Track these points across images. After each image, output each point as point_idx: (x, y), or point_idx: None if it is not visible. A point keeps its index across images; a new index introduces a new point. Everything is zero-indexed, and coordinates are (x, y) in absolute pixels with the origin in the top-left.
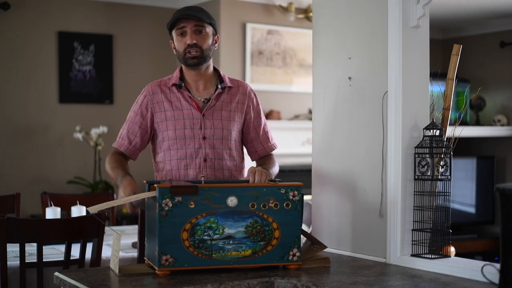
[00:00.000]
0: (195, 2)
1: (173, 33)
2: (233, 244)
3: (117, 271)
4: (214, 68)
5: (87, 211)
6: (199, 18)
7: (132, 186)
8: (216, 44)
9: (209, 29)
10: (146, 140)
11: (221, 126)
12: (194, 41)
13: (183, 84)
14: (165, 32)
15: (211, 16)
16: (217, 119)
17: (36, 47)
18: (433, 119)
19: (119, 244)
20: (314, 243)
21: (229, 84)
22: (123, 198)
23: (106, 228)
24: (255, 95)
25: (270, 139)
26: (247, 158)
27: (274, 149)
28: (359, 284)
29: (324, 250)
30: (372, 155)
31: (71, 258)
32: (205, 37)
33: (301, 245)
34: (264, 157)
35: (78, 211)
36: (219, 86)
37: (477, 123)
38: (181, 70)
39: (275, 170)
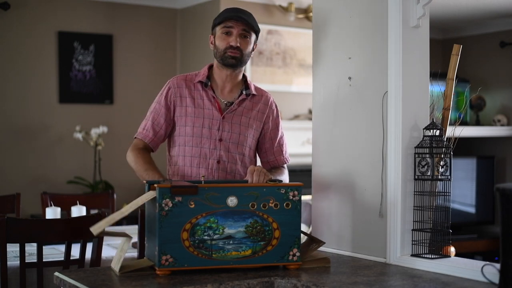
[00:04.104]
0: (195, 2)
1: (218, 29)
2: (233, 244)
3: (117, 270)
4: (243, 75)
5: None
6: (248, 23)
7: None
8: (253, 52)
9: (253, 37)
10: (168, 132)
11: (239, 131)
12: (238, 44)
13: (209, 83)
14: (165, 32)
15: (257, 25)
16: (236, 124)
17: (36, 47)
18: (433, 119)
19: (127, 246)
20: (313, 241)
21: (253, 92)
22: (121, 210)
23: (108, 228)
24: (276, 107)
25: (284, 153)
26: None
27: (286, 163)
28: (359, 284)
29: (324, 250)
30: (372, 155)
31: (71, 258)
32: (248, 42)
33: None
34: (274, 167)
35: (78, 211)
36: (244, 92)
37: (477, 123)
38: (209, 68)
39: (282, 178)
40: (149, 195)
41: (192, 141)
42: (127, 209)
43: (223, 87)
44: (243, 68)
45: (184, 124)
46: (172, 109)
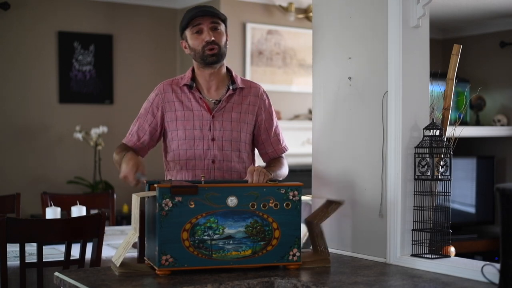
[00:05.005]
0: (195, 2)
1: (187, 32)
2: (233, 244)
3: (118, 264)
4: (227, 68)
5: (87, 211)
6: (214, 14)
7: (134, 159)
8: (228, 42)
9: (222, 27)
10: (155, 138)
11: (231, 128)
12: (213, 38)
13: (194, 85)
14: (165, 32)
15: (222, 13)
16: (227, 121)
17: (36, 47)
18: (433, 119)
19: (132, 242)
20: (331, 202)
21: (240, 85)
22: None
23: (107, 228)
24: (267, 96)
25: (281, 142)
26: (258, 159)
27: (285, 151)
28: (359, 284)
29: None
30: (372, 155)
31: (71, 258)
32: (221, 34)
33: (301, 244)
34: (273, 159)
35: (78, 211)
36: (231, 87)
37: (477, 123)
38: (193, 70)
39: (283, 172)
40: (136, 201)
41: (185, 144)
42: (135, 227)
43: (208, 86)
44: (224, 62)
45: (175, 128)
46: (160, 115)
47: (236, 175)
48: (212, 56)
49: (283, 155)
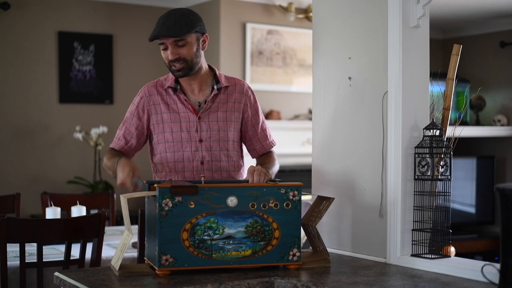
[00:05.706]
0: (195, 2)
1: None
2: (233, 244)
3: (117, 267)
4: (210, 67)
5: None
6: (176, 34)
7: (129, 165)
8: (205, 45)
9: (191, 38)
10: (142, 141)
11: (217, 128)
12: (176, 56)
13: (178, 87)
14: None
15: (192, 22)
16: (213, 121)
17: (36, 47)
18: (433, 119)
19: (128, 244)
20: (322, 199)
21: (225, 84)
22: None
23: (107, 228)
24: (252, 92)
25: (269, 137)
26: (247, 156)
27: (273, 146)
28: (359, 284)
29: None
30: (372, 155)
31: (71, 258)
32: (188, 47)
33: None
34: (263, 155)
35: (78, 211)
36: (215, 87)
37: (477, 123)
38: None
39: (276, 168)
40: (124, 202)
41: (173, 146)
42: (128, 227)
43: (191, 89)
44: (201, 65)
45: (162, 131)
46: (146, 118)
47: (226, 174)
48: (178, 71)
49: (272, 149)
